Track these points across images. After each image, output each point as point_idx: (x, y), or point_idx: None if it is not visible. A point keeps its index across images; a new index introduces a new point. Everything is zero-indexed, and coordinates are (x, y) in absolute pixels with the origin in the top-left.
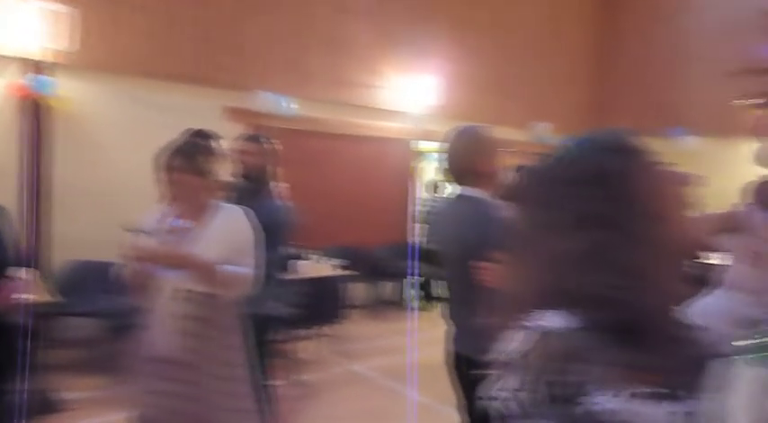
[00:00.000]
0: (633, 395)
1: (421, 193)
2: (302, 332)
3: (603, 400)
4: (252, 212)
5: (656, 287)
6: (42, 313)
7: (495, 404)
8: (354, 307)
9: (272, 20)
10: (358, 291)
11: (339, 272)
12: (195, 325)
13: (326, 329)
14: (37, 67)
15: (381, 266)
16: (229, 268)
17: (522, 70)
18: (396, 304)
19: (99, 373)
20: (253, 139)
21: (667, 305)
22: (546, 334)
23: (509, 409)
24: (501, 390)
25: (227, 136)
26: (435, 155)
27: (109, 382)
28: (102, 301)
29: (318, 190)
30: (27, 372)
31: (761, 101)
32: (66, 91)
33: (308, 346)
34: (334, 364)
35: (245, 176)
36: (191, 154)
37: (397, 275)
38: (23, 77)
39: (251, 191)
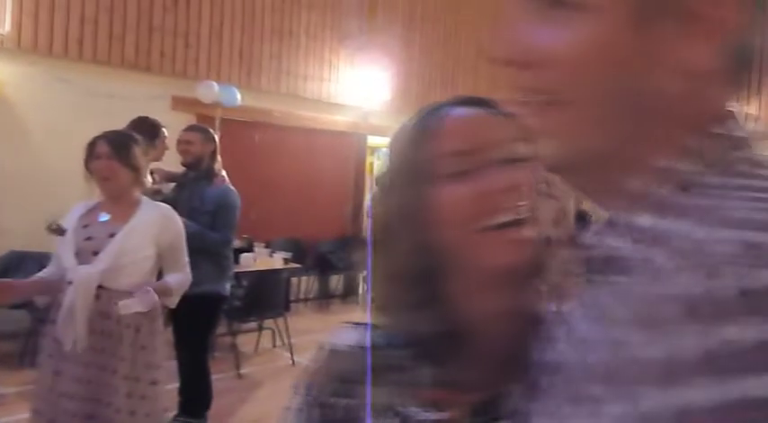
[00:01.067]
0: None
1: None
2: (245, 325)
3: None
4: (188, 203)
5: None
6: None
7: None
8: (301, 300)
9: (220, 9)
10: (306, 284)
11: (285, 265)
12: (105, 322)
13: (271, 322)
14: None
15: (330, 260)
16: (175, 279)
17: (469, 67)
18: (346, 298)
19: (30, 367)
20: (195, 129)
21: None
22: (332, 351)
23: None
24: (290, 407)
25: (174, 125)
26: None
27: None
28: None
29: (265, 182)
30: None
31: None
32: (2, 75)
33: (251, 339)
34: (277, 356)
35: (188, 166)
36: (123, 144)
37: (348, 269)
38: None
39: (194, 179)
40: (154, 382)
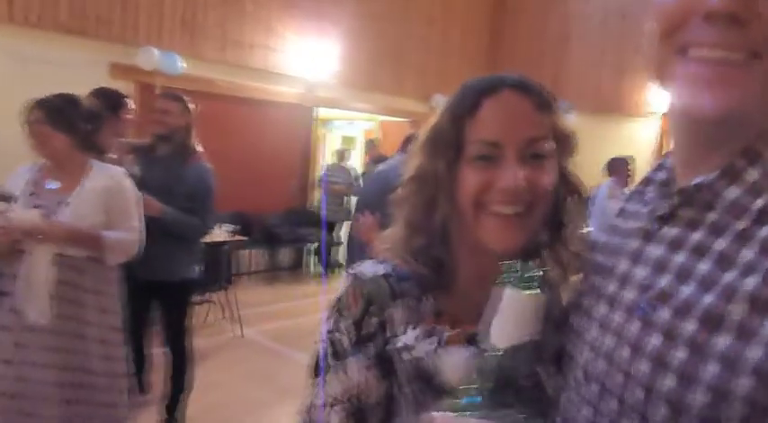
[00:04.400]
0: (432, 338)
1: (326, 161)
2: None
3: (403, 341)
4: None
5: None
6: None
7: (317, 346)
8: (247, 273)
9: None
10: (252, 257)
11: (230, 237)
12: (68, 290)
13: (216, 295)
14: None
15: (278, 233)
16: (113, 235)
17: (419, 42)
18: (294, 270)
19: None
20: (175, 98)
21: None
22: (356, 279)
23: (324, 350)
24: (322, 332)
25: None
26: (339, 123)
27: None
28: None
29: (210, 154)
30: None
31: None
32: None
33: (197, 311)
34: (223, 329)
35: (166, 137)
36: (56, 108)
37: (296, 242)
38: None
39: (169, 155)
40: (116, 344)
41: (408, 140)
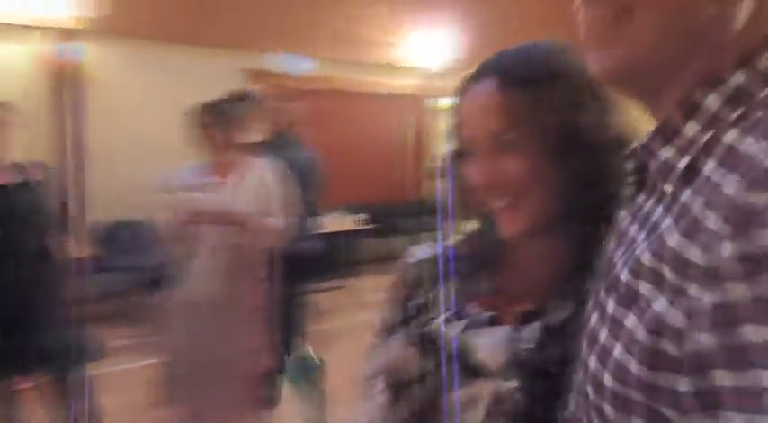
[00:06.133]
0: (472, 319)
1: (438, 151)
2: (322, 284)
3: (439, 321)
4: (283, 164)
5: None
6: (82, 269)
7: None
8: (366, 262)
9: None
10: (372, 246)
11: (357, 226)
12: (229, 272)
13: (341, 282)
14: (64, 35)
15: (395, 223)
16: (264, 220)
17: (542, 23)
18: None
19: (132, 324)
20: (281, 97)
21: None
22: (404, 262)
23: (378, 324)
24: (380, 310)
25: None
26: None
27: (142, 331)
28: (135, 258)
29: (332, 148)
30: (72, 323)
31: None
32: (90, 57)
33: (326, 297)
34: (350, 314)
35: (277, 133)
36: (218, 110)
37: (410, 231)
38: (53, 46)
39: (283, 144)
40: (266, 321)
41: None
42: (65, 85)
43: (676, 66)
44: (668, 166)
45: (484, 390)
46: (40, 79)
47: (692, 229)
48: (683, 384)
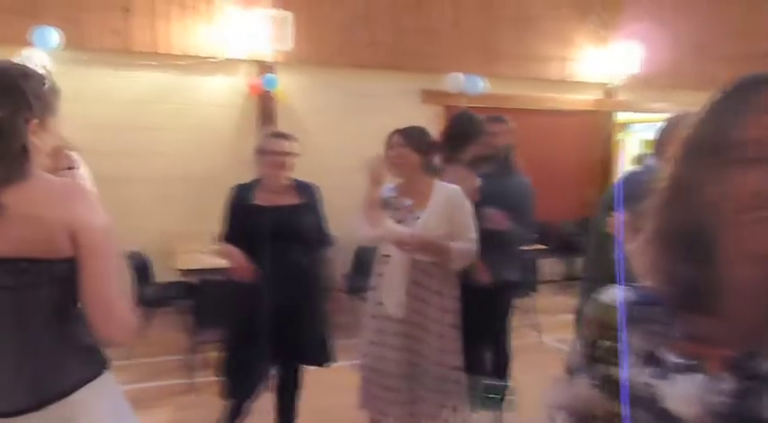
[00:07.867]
0: (663, 366)
1: (625, 167)
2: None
3: (631, 367)
4: (499, 190)
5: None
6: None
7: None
8: (546, 282)
9: (460, 3)
10: (550, 266)
11: (530, 246)
12: (419, 290)
13: (518, 302)
14: (264, 66)
15: (573, 242)
16: (456, 245)
17: (741, 28)
18: None
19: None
20: (499, 120)
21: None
22: (601, 305)
23: (568, 362)
24: (572, 346)
25: (424, 117)
26: (638, 126)
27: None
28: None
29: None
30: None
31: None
32: (285, 85)
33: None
34: (524, 334)
35: (494, 156)
36: (413, 134)
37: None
38: (255, 76)
39: (501, 169)
40: (452, 339)
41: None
42: (270, 111)
43: None
44: None
45: None
46: (247, 106)
47: None
48: None
